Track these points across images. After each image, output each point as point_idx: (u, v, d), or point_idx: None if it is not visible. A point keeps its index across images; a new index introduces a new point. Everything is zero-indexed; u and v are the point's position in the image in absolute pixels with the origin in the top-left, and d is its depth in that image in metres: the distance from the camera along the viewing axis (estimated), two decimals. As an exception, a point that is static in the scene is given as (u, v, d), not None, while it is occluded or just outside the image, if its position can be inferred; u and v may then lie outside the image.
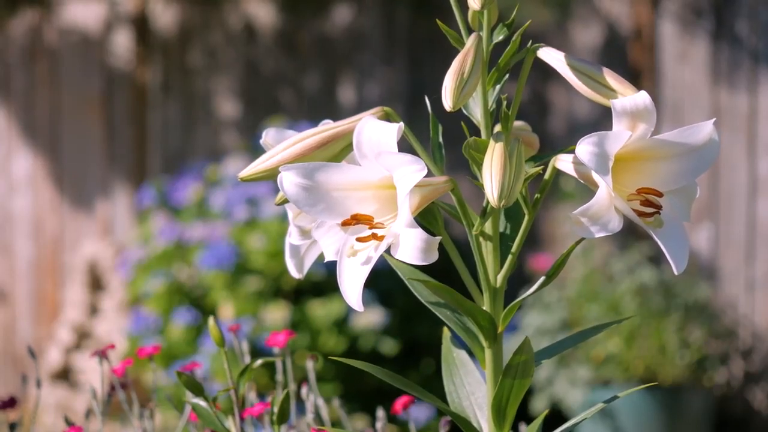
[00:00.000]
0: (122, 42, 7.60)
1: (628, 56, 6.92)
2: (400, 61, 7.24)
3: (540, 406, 6.26)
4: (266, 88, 7.43)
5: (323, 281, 6.25)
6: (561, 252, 1.92)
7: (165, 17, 7.55)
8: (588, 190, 1.86)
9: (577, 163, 1.89)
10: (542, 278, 1.98)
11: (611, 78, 1.91)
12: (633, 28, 6.93)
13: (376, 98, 7.21)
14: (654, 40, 6.89)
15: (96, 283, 7.39)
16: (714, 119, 1.90)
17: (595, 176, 1.83)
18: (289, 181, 1.87)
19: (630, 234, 6.72)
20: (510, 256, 1.99)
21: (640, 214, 1.86)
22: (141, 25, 7.59)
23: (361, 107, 7.16)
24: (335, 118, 2.05)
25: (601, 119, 6.91)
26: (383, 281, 6.21)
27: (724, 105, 6.75)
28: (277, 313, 6.11)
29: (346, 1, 7.32)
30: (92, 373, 7.01)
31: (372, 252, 1.86)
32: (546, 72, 6.79)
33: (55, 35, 7.67)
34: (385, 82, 7.26)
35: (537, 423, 2.02)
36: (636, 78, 6.85)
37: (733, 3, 6.78)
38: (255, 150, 6.84)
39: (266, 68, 7.44)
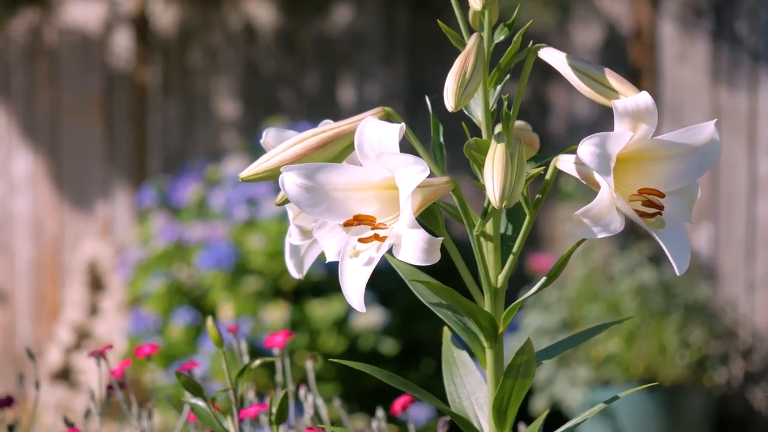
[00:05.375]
0: (122, 42, 7.60)
1: (628, 56, 6.92)
2: (400, 61, 7.24)
3: (540, 406, 6.25)
4: (266, 88, 7.42)
5: (323, 281, 6.24)
6: (561, 252, 1.92)
7: (165, 17, 7.55)
8: (589, 190, 1.86)
9: (579, 163, 1.89)
10: (543, 278, 1.98)
11: (612, 78, 1.91)
12: (633, 28, 6.93)
13: (376, 98, 7.21)
14: (654, 40, 6.89)
15: (96, 283, 7.39)
16: (715, 120, 1.90)
17: (597, 177, 1.83)
18: (291, 181, 1.87)
19: (630, 234, 6.72)
20: (511, 257, 1.99)
21: (642, 214, 1.86)
22: (141, 25, 7.59)
23: (361, 107, 7.16)
24: (335, 118, 2.04)
25: (602, 119, 6.91)
26: (384, 281, 6.21)
27: (724, 105, 6.75)
28: (276, 313, 6.11)
29: (346, 1, 7.32)
30: (92, 373, 7.01)
31: (374, 252, 1.86)
32: (546, 72, 6.79)
33: (55, 35, 7.67)
34: (385, 82, 7.26)
35: (537, 423, 2.02)
36: (636, 78, 6.85)
37: (733, 3, 6.78)
38: (255, 150, 6.84)
39: (266, 68, 7.44)
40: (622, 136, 1.83)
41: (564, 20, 6.99)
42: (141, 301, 6.57)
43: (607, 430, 6.18)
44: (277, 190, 1.91)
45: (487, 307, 2.00)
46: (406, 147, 1.88)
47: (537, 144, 2.06)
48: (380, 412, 2.62)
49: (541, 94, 7.02)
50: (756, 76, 6.73)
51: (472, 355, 2.20)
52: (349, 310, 6.20)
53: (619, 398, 1.98)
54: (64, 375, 7.28)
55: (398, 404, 2.56)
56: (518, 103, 1.95)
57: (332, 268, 6.15)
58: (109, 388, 2.55)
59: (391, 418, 5.68)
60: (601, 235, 1.83)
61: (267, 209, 6.42)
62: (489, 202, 1.92)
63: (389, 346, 6.22)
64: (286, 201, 1.97)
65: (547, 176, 1.94)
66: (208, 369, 6.00)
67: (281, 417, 2.20)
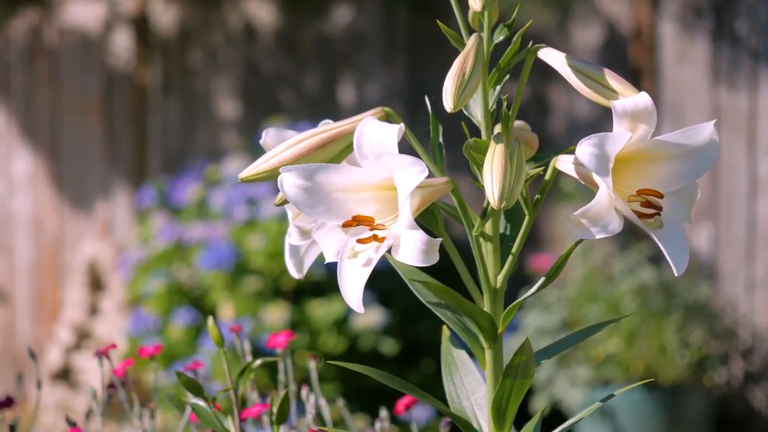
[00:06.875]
0: (122, 42, 7.60)
1: (628, 56, 6.92)
2: (400, 61, 7.24)
3: (540, 406, 6.25)
4: (266, 88, 7.42)
5: (323, 281, 6.24)
6: (561, 252, 1.92)
7: (165, 17, 7.55)
8: (588, 190, 1.86)
9: (578, 164, 1.89)
10: (542, 279, 1.98)
11: (612, 79, 1.91)
12: (633, 28, 6.93)
13: (376, 98, 7.21)
14: (654, 40, 6.89)
15: (96, 283, 7.39)
16: (715, 120, 1.89)
17: (596, 177, 1.83)
18: (290, 182, 1.87)
19: (630, 234, 6.72)
20: (510, 257, 1.98)
21: (641, 215, 1.86)
22: (141, 25, 7.59)
23: (361, 107, 7.16)
24: (335, 119, 2.04)
25: (601, 119, 6.91)
26: (383, 281, 6.20)
27: (724, 105, 6.75)
28: (276, 314, 6.11)
29: (346, 1, 7.32)
30: (92, 373, 7.01)
31: (372, 253, 1.86)
32: (546, 72, 6.79)
33: (55, 35, 7.67)
34: (385, 82, 7.26)
35: (534, 421, 2.02)
36: (636, 78, 6.84)
37: (733, 3, 6.77)
38: (255, 150, 6.83)
39: (266, 68, 7.43)
40: (621, 137, 1.83)
41: (564, 20, 6.99)
42: (141, 301, 6.57)
43: (608, 430, 6.18)
44: (278, 190, 1.90)
45: (486, 307, 1.99)
46: (405, 148, 1.88)
47: (536, 144, 2.06)
48: (384, 413, 2.61)
49: (541, 94, 7.02)
50: (756, 76, 6.73)
51: (471, 355, 2.19)
52: (350, 310, 6.20)
53: (616, 396, 1.98)
54: (64, 375, 7.28)
55: (401, 404, 2.56)
56: (518, 103, 1.95)
57: (332, 268, 6.15)
58: (111, 387, 2.55)
59: (392, 419, 5.68)
60: (599, 236, 1.83)
61: (267, 209, 6.42)
62: (488, 203, 1.92)
63: (389, 346, 6.22)
64: (286, 201, 1.97)
65: (547, 176, 1.93)
66: (208, 369, 6.01)
67: (282, 417, 2.20)
